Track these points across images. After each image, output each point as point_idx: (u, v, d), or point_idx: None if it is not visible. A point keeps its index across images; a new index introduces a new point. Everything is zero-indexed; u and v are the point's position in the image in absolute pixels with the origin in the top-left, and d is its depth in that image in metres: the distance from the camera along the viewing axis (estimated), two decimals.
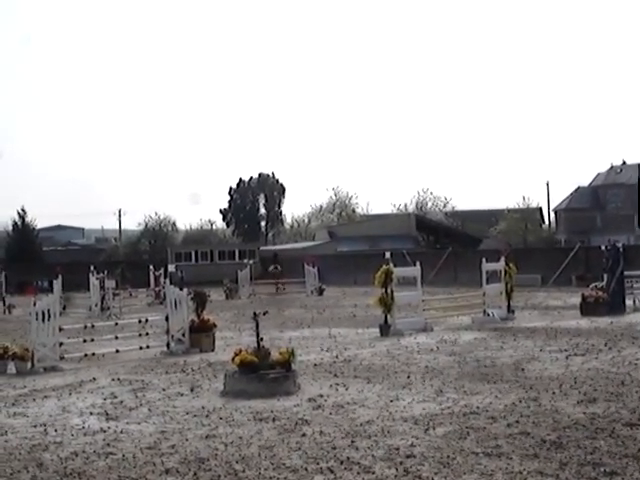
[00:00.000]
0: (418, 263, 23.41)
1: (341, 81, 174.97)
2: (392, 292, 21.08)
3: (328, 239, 76.19)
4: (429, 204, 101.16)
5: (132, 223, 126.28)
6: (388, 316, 21.04)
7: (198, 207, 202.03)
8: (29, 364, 16.38)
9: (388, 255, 21.96)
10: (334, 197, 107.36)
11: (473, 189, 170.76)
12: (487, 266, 24.35)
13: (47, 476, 8.22)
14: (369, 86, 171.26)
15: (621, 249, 26.47)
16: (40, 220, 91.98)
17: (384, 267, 21.19)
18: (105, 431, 10.29)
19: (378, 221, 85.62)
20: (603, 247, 27.45)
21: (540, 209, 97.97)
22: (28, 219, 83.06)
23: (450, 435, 9.34)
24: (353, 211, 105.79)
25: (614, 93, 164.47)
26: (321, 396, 12.13)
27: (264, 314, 14.04)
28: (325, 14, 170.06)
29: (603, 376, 13.24)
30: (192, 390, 13.18)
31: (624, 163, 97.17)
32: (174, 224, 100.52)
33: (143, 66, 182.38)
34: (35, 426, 10.79)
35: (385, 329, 20.81)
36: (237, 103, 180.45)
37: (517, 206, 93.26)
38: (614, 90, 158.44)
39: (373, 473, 7.85)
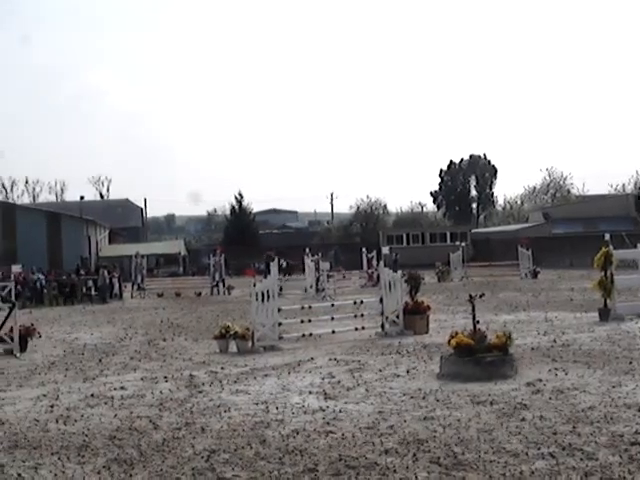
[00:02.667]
0: (639, 245, 22.46)
1: (553, 58, 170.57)
2: (612, 275, 20.36)
3: (542, 221, 74.65)
4: None
5: (344, 206, 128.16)
6: (608, 300, 20.34)
7: (407, 191, 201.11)
8: (249, 343, 16.92)
9: (608, 237, 21.18)
10: (548, 178, 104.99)
11: None
12: None
13: (270, 453, 8.42)
14: (582, 62, 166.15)
15: None
16: (256, 204, 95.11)
17: (604, 249, 20.49)
18: (324, 410, 10.47)
19: (595, 202, 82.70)
20: None
21: None
22: (245, 203, 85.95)
23: None
24: (568, 192, 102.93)
25: None
26: (540, 380, 11.86)
27: (480, 297, 13.88)
28: None
29: None
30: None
31: None
32: (385, 207, 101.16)
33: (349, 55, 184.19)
34: (257, 404, 11.12)
35: (604, 313, 20.11)
36: (449, 84, 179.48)
37: None
38: None
39: (596, 460, 7.60)
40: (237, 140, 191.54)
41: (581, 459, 7.65)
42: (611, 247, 20.64)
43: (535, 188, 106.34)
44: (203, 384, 12.90)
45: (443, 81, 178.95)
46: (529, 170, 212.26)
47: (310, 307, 20.30)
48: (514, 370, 12.50)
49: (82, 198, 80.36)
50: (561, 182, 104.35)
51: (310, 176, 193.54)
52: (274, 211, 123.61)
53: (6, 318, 17.74)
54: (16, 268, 24.62)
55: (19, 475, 7.92)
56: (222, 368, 14.58)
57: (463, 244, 50.94)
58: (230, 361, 15.51)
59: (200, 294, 40.71)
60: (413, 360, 14.55)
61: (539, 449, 8.08)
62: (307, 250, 41.04)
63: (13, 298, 18.41)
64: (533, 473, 7.30)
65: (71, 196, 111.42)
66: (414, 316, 19.03)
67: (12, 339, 17.82)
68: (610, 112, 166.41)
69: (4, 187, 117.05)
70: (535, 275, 43.52)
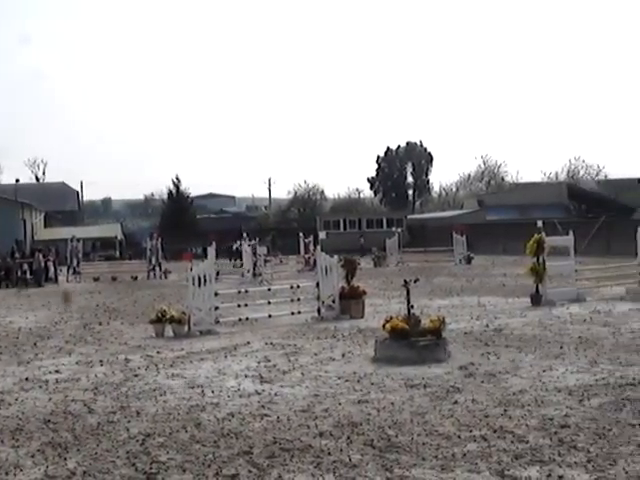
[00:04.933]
0: (570, 232, 22.86)
1: (488, 47, 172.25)
2: (544, 261, 20.71)
3: (477, 208, 75.60)
4: (581, 172, 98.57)
5: (282, 191, 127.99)
6: (539, 285, 20.68)
7: (344, 176, 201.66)
8: (186, 327, 16.92)
9: (540, 224, 21.54)
10: (483, 165, 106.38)
11: (627, 157, 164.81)
12: None
13: (205, 436, 8.45)
14: (517, 52, 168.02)
15: None
16: (193, 189, 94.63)
17: (536, 236, 20.84)
18: (260, 393, 10.53)
19: (528, 190, 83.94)
20: None
21: None
22: (182, 188, 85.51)
23: (605, 406, 9.14)
24: (502, 179, 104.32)
25: None
26: (472, 364, 12.06)
27: (415, 282, 14.01)
28: None
29: None
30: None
31: None
32: (322, 192, 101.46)
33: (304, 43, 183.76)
34: (192, 387, 11.14)
35: (536, 299, 20.47)
36: (384, 72, 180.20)
37: None
38: None
39: (527, 442, 7.76)
40: (174, 123, 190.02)
41: (512, 442, 7.81)
42: (543, 234, 21.03)
43: (470, 175, 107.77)
44: (139, 368, 12.87)
45: (380, 68, 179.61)
46: (464, 158, 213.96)
47: (247, 291, 20.36)
48: (447, 354, 12.70)
49: (17, 181, 78.99)
50: (495, 170, 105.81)
51: (248, 161, 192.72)
52: (212, 196, 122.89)
53: None
54: None
55: None
56: (158, 352, 14.55)
57: (399, 230, 51.28)
58: (166, 345, 15.48)
59: (136, 278, 40.45)
60: (348, 344, 14.67)
61: (471, 432, 8.23)
62: (244, 235, 41.00)
63: None
64: (465, 455, 7.43)
65: (6, 179, 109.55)
66: (350, 300, 19.17)
67: None
68: (544, 100, 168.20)
69: None
70: (469, 261, 43.97)
